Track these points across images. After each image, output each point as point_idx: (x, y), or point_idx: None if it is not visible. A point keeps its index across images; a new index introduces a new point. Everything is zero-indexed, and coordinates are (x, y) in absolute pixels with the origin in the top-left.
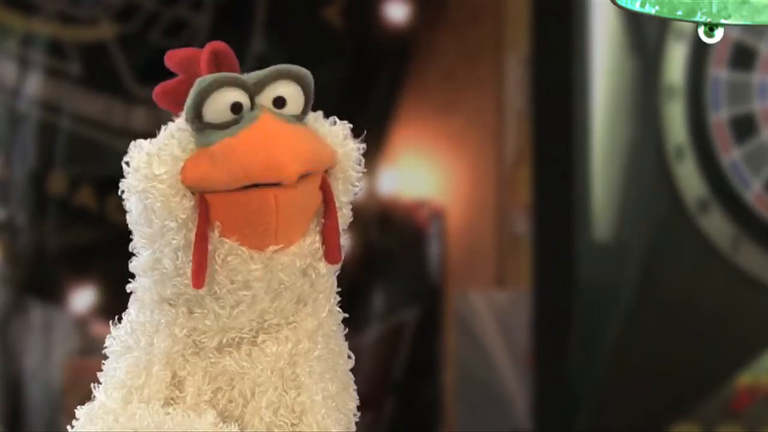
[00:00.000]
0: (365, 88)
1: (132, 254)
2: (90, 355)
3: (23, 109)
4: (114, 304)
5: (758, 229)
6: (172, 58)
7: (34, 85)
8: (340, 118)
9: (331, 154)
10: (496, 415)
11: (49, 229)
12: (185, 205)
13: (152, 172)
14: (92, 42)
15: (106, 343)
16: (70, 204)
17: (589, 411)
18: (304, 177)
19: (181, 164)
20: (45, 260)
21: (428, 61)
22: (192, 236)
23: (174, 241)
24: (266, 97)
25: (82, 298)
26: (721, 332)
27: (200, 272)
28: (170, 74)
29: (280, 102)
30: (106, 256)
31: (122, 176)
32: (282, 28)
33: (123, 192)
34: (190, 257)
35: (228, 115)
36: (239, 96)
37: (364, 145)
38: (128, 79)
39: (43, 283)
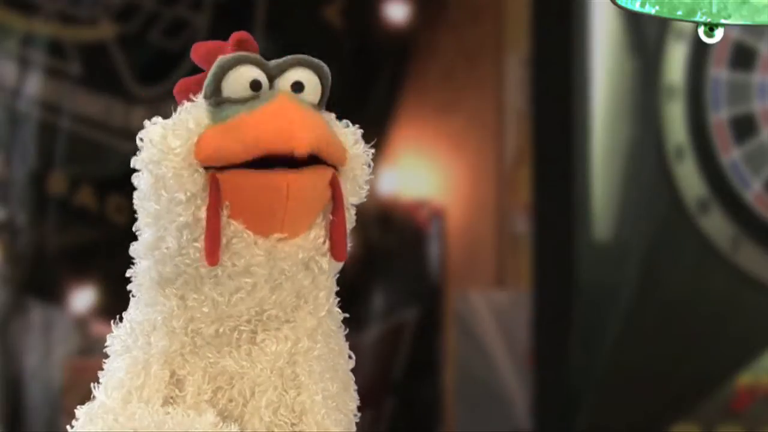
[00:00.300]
0: (365, 88)
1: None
2: (90, 355)
3: (23, 109)
4: (114, 304)
5: (758, 229)
6: (198, 51)
7: (34, 85)
8: (340, 118)
9: (342, 150)
10: (496, 415)
11: (49, 229)
12: (196, 180)
13: (167, 145)
14: (92, 42)
15: (107, 342)
16: (70, 204)
17: (589, 411)
18: (315, 167)
19: (195, 138)
20: (45, 260)
21: (428, 61)
22: (200, 214)
23: (181, 218)
24: (285, 81)
25: (82, 298)
26: (721, 332)
27: (214, 249)
28: (170, 74)
29: (298, 87)
30: (106, 256)
31: (122, 176)
32: (282, 28)
33: (134, 170)
34: (195, 236)
35: (246, 92)
36: (259, 75)
37: (373, 150)
38: (128, 79)
39: (43, 283)
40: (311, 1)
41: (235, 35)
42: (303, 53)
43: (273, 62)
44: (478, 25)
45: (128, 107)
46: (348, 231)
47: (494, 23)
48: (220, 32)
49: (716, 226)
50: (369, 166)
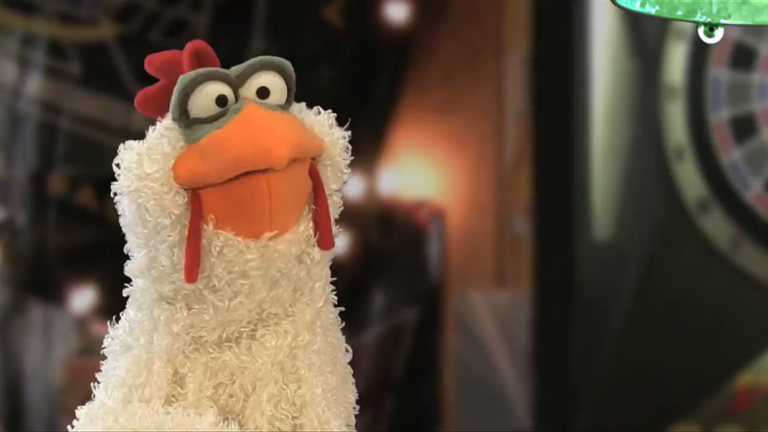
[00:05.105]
0: (365, 88)
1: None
2: (90, 355)
3: (23, 109)
4: (114, 304)
5: (758, 229)
6: (153, 63)
7: (34, 85)
8: (340, 118)
9: (318, 142)
10: (496, 415)
11: (49, 229)
12: (178, 202)
13: (144, 171)
14: (92, 42)
15: (105, 344)
16: (70, 204)
17: (589, 411)
18: (293, 162)
19: (172, 162)
20: (45, 260)
21: (428, 61)
22: (186, 232)
23: (169, 238)
24: (250, 89)
25: (82, 298)
26: (721, 332)
27: (193, 266)
28: None
29: (263, 93)
30: (106, 256)
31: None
32: (282, 28)
33: (115, 194)
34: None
35: (214, 109)
36: (223, 89)
37: (349, 133)
38: (128, 79)
39: (43, 283)
40: (311, 1)
41: (190, 46)
42: (303, 53)
43: (234, 70)
44: (478, 25)
45: (128, 107)
46: (334, 217)
47: (494, 23)
48: (220, 32)
49: (716, 226)
50: (347, 149)
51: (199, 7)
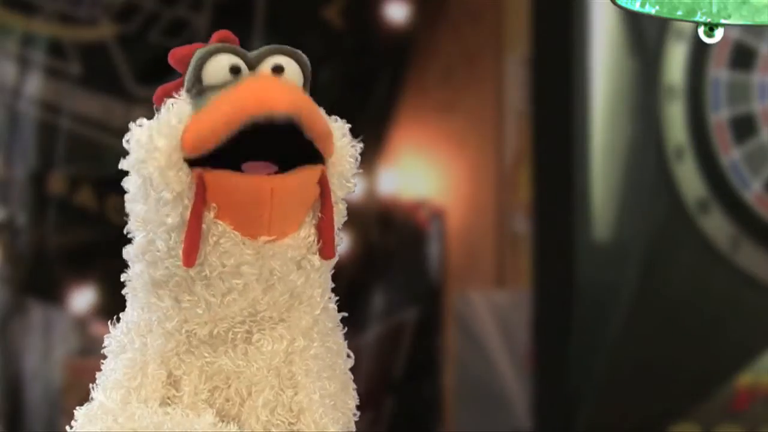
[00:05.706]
0: (365, 88)
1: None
2: (90, 355)
3: (23, 109)
4: (114, 304)
5: (758, 229)
6: (175, 55)
7: (34, 85)
8: (340, 118)
9: (326, 123)
10: (496, 415)
11: (49, 229)
12: (181, 179)
13: (152, 144)
14: (92, 42)
15: (105, 343)
16: (70, 204)
17: (589, 411)
18: (302, 167)
19: (180, 134)
20: (45, 260)
21: (428, 61)
22: (186, 215)
23: (168, 219)
24: (265, 66)
25: (82, 298)
26: (721, 332)
27: (192, 250)
28: (170, 74)
29: (278, 70)
30: (106, 256)
31: (122, 176)
32: (282, 28)
33: (123, 170)
34: (183, 238)
35: (227, 77)
36: (238, 62)
37: (361, 144)
38: (128, 79)
39: (43, 283)
40: (311, 1)
41: (217, 34)
42: (303, 53)
43: (251, 53)
44: (478, 25)
45: (128, 107)
46: (338, 226)
47: (494, 23)
48: None
49: (716, 226)
50: (356, 159)
51: (198, 7)
